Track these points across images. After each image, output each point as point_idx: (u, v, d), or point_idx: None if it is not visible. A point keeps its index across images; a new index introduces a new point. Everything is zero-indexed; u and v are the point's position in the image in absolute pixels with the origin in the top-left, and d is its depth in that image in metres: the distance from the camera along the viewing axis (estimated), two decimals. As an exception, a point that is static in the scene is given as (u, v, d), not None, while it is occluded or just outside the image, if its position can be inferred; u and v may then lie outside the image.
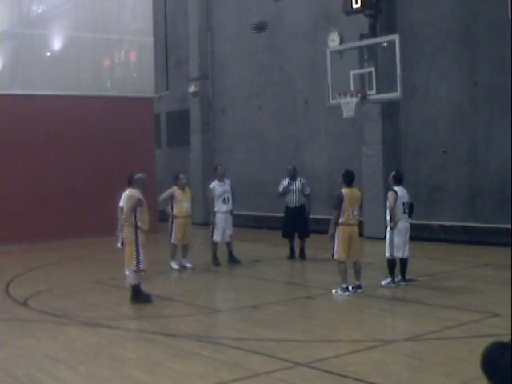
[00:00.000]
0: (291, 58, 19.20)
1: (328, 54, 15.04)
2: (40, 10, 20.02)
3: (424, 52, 15.93)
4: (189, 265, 12.77)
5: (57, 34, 18.90)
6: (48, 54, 19.11)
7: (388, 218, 10.37)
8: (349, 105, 14.21)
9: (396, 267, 10.42)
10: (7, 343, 7.76)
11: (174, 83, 22.40)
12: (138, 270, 9.66)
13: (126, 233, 9.79)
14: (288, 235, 13.67)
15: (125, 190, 10.53)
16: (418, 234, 15.34)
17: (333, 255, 10.00)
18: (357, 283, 10.04)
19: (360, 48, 14.71)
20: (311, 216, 13.85)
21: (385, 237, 10.56)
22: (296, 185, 13.45)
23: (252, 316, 8.87)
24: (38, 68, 18.36)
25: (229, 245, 13.23)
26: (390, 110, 16.38)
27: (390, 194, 10.39)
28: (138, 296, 9.65)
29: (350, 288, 9.94)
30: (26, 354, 7.26)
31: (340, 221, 9.90)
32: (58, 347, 7.48)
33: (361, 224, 10.24)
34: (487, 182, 14.89)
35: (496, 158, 14.70)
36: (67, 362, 6.93)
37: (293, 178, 13.53)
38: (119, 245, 11.19)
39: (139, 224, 9.60)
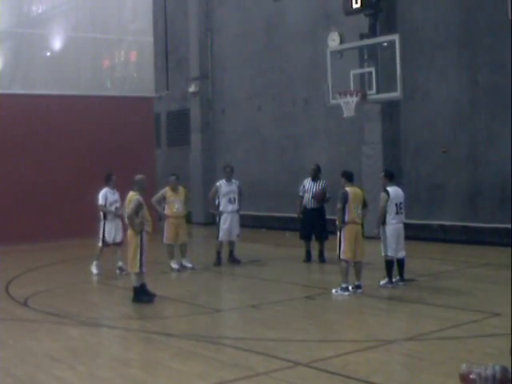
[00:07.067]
0: (291, 58, 19.19)
1: (328, 53, 15.02)
2: (40, 10, 20.07)
3: (424, 52, 15.94)
4: (189, 265, 12.76)
5: (57, 33, 18.93)
6: (48, 53, 19.13)
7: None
8: (349, 105, 14.19)
9: (393, 267, 10.41)
10: (7, 343, 7.76)
11: (174, 83, 22.39)
12: (140, 273, 9.69)
13: (129, 235, 9.77)
14: (304, 237, 13.24)
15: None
16: (417, 234, 15.37)
17: (339, 256, 10.00)
18: (357, 283, 10.04)
19: (360, 48, 14.70)
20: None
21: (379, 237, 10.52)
22: (316, 186, 12.99)
23: (252, 316, 8.87)
24: (37, 68, 18.36)
25: (232, 244, 13.21)
26: (389, 110, 16.38)
27: (382, 195, 10.40)
28: (140, 296, 9.65)
29: (349, 288, 9.95)
30: (26, 353, 7.25)
31: (346, 220, 9.92)
32: (58, 347, 7.48)
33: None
34: (487, 181, 14.88)
35: (496, 157, 14.70)
36: (67, 362, 6.93)
37: (315, 178, 13.11)
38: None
39: (145, 227, 9.62)
